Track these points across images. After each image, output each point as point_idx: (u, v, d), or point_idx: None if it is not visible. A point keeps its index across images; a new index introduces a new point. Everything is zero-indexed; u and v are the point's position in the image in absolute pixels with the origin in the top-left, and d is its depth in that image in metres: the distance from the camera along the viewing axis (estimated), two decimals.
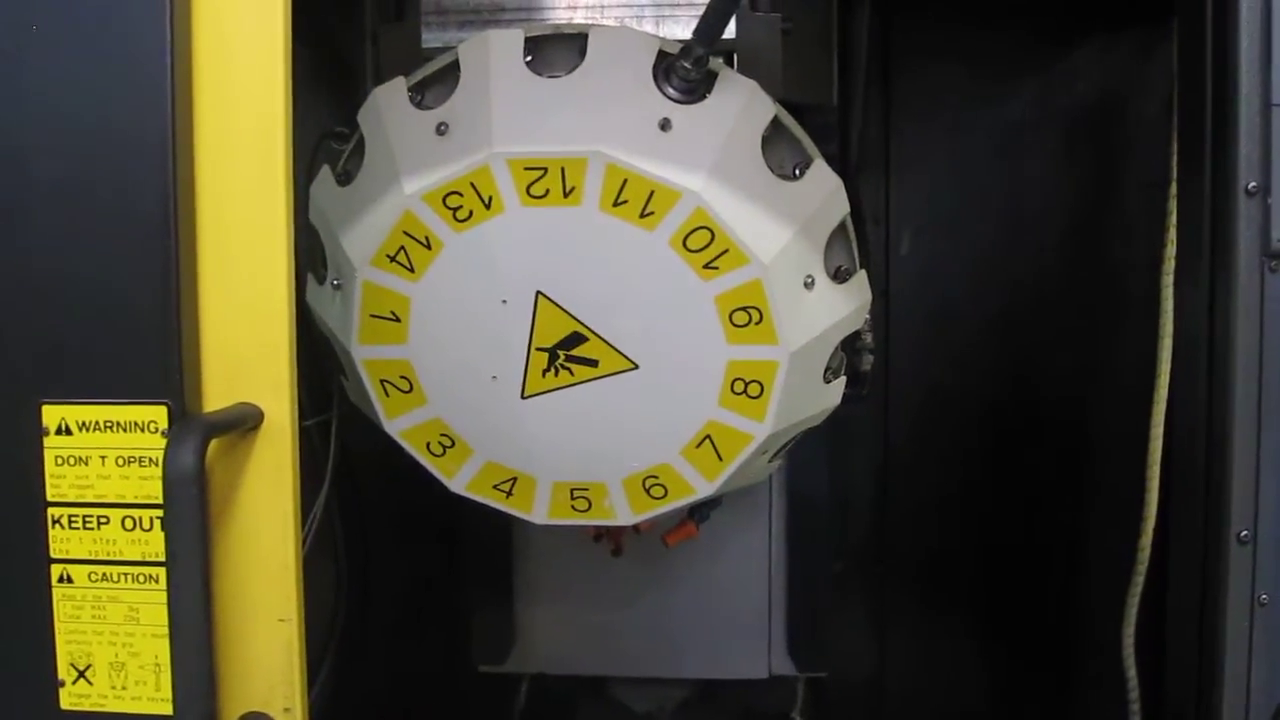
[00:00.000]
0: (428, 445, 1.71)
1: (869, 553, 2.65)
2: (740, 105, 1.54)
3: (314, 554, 1.69)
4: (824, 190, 1.59)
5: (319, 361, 1.81)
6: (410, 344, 1.63)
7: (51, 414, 1.38)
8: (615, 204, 1.51)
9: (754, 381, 1.58)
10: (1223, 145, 1.51)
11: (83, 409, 1.37)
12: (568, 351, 1.60)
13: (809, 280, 1.58)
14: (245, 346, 1.36)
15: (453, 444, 1.70)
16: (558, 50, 1.55)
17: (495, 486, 1.73)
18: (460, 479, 1.73)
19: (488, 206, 1.54)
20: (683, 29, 1.68)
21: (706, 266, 1.52)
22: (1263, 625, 1.52)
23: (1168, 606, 1.68)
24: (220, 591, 1.36)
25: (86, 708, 1.42)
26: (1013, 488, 2.52)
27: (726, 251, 1.52)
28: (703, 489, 1.67)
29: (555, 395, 1.62)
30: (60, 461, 1.38)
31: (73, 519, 1.39)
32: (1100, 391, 2.23)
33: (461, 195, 1.54)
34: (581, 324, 1.58)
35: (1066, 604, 2.35)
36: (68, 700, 1.42)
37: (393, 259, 1.58)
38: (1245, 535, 1.51)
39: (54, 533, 1.40)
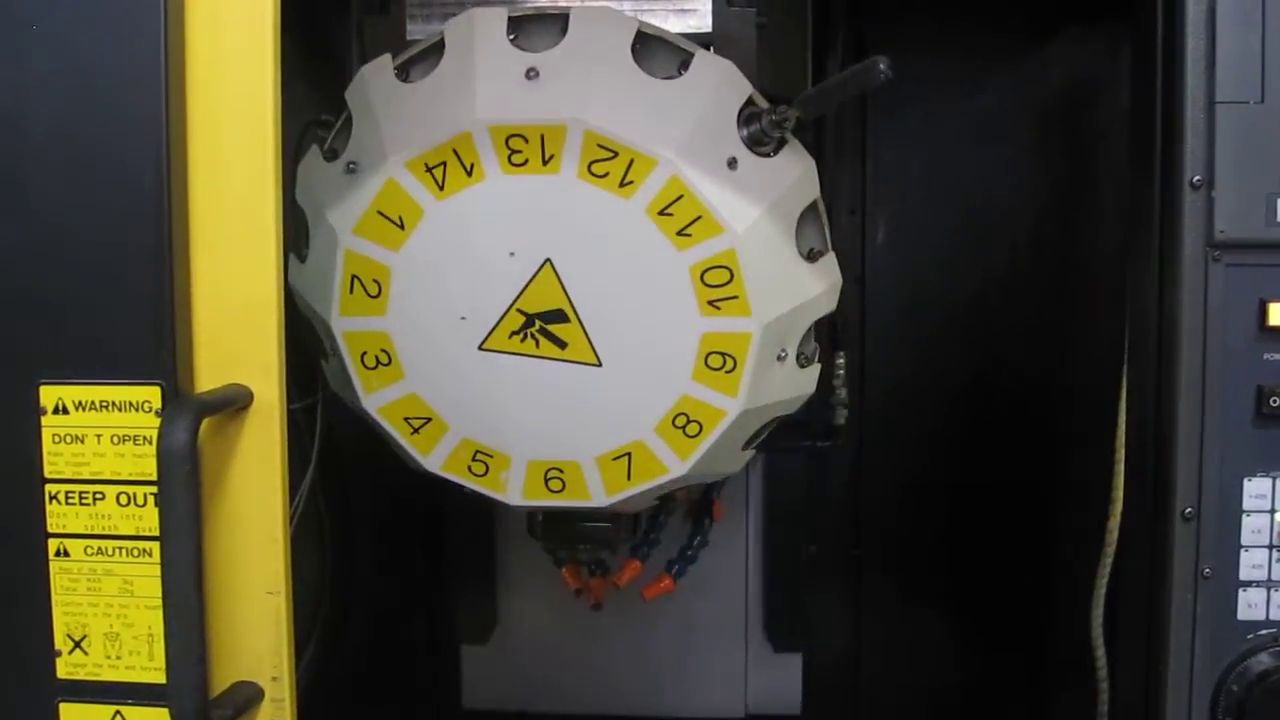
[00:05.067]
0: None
1: (844, 536, 2.69)
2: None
3: (299, 535, 1.73)
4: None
5: (303, 348, 1.85)
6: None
7: (49, 394, 1.42)
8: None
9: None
10: (1170, 140, 1.56)
11: (79, 389, 1.41)
12: (544, 324, 1.65)
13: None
14: (235, 330, 1.40)
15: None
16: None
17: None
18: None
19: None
20: (659, 20, 1.72)
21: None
22: (1206, 597, 1.57)
23: (1120, 581, 1.73)
24: (211, 565, 1.40)
25: (82, 677, 1.46)
26: (986, 471, 2.56)
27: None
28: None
29: (512, 360, 1.66)
30: (57, 439, 1.43)
31: (69, 495, 1.43)
32: (1070, 377, 2.28)
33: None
34: (571, 304, 1.63)
35: (1038, 585, 2.39)
36: (64, 670, 1.46)
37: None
38: (1189, 512, 1.56)
39: (51, 508, 1.44)
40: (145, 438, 1.41)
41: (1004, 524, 2.51)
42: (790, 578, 2.57)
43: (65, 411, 1.42)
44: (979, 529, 2.57)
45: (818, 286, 1.69)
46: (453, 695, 2.70)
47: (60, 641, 1.46)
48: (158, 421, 1.37)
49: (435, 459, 1.76)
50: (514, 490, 1.76)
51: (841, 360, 2.36)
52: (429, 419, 1.73)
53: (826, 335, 2.23)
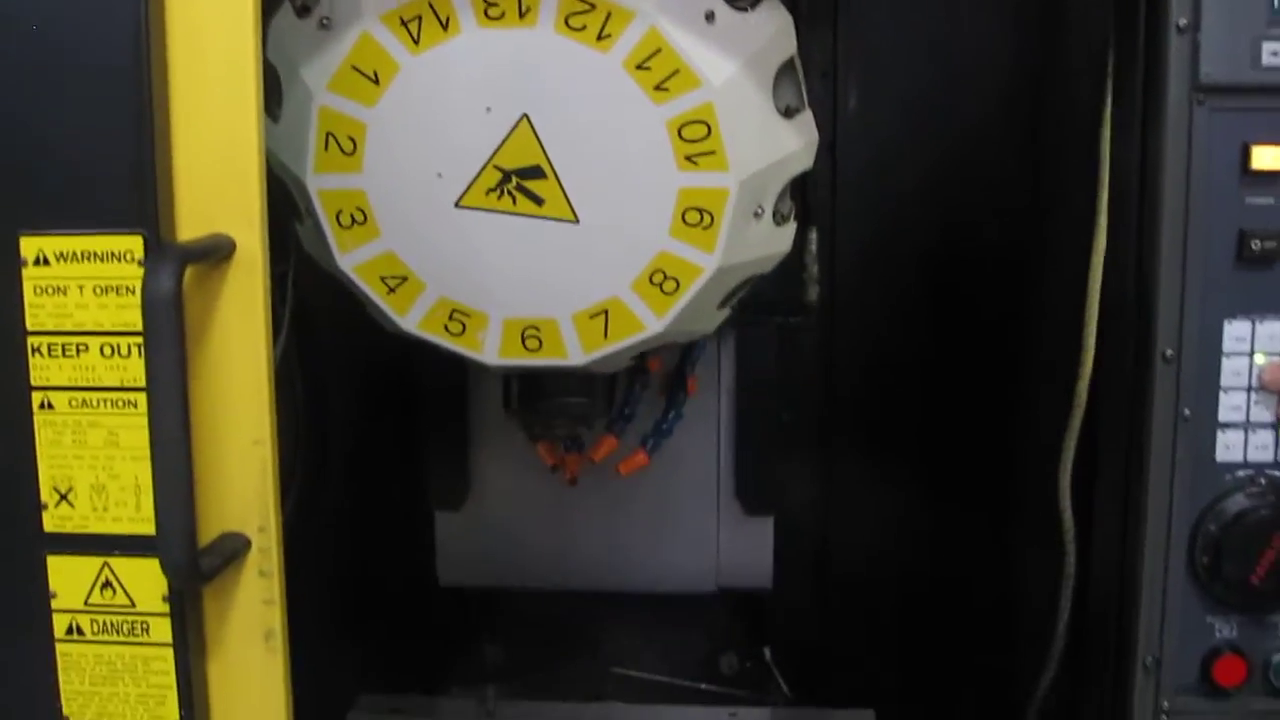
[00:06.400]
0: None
1: (814, 400, 2.70)
2: None
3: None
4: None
5: (274, 213, 1.83)
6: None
7: (29, 245, 1.41)
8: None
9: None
10: None
11: (60, 240, 1.40)
12: (521, 181, 1.64)
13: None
14: (217, 178, 1.39)
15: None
16: None
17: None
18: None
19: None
20: None
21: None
22: (1185, 439, 1.61)
23: (1098, 422, 1.76)
24: (197, 416, 1.39)
25: (69, 530, 1.46)
26: (956, 337, 2.57)
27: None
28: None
29: (489, 217, 1.66)
30: (39, 292, 1.41)
31: (52, 348, 1.43)
32: (1041, 237, 2.28)
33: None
34: (549, 160, 1.62)
35: (1006, 449, 2.42)
36: (51, 523, 1.46)
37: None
38: (1170, 354, 1.59)
39: (34, 361, 1.43)
40: (128, 288, 1.39)
41: (973, 390, 2.53)
42: (762, 441, 2.59)
43: (46, 263, 1.41)
44: (948, 395, 2.58)
45: (795, 143, 1.69)
46: (427, 563, 2.72)
47: (46, 494, 1.46)
48: (140, 271, 1.36)
49: (412, 318, 1.75)
50: (491, 349, 1.75)
51: (814, 236, 2.37)
52: (405, 278, 1.72)
53: (799, 208, 2.24)
